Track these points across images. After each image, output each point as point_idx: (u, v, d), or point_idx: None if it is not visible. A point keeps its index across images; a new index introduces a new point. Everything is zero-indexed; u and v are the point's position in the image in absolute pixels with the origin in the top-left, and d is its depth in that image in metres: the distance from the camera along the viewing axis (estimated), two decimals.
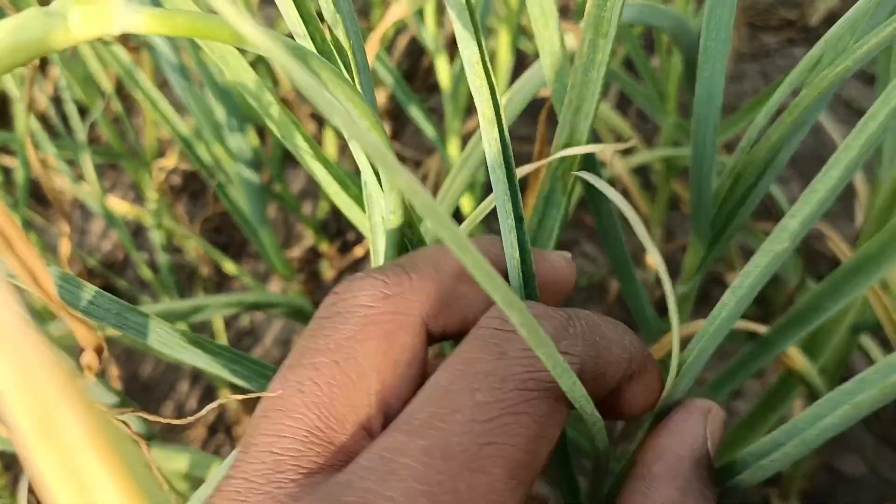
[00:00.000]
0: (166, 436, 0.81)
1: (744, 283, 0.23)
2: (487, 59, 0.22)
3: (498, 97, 0.23)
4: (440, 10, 0.97)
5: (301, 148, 0.28)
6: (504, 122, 0.23)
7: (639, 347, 0.23)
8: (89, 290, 0.24)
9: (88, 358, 0.17)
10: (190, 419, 0.23)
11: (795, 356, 0.41)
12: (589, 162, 0.32)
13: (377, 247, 0.26)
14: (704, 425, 0.23)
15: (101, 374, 0.74)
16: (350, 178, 0.30)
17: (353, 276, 0.22)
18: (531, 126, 0.32)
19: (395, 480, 0.17)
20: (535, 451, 0.19)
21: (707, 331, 0.24)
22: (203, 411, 0.24)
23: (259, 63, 0.87)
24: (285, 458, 0.19)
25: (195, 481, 0.40)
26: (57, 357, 0.09)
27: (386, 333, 0.21)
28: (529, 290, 0.25)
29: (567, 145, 0.31)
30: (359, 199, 0.30)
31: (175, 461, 0.36)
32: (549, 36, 0.28)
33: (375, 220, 0.26)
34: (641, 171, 0.92)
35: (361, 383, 0.20)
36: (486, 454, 0.18)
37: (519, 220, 0.24)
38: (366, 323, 0.21)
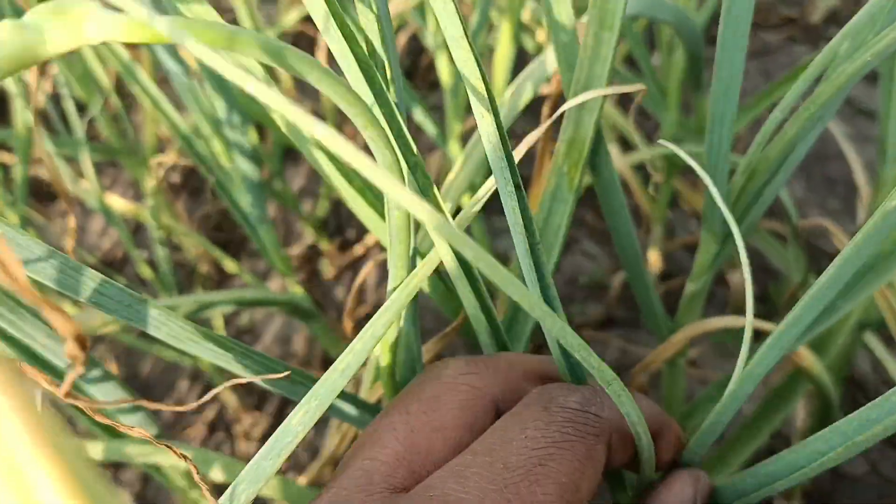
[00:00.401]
0: (166, 434, 0.81)
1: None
2: (469, 35, 0.22)
3: (481, 66, 0.23)
4: None
5: (306, 140, 0.27)
6: (493, 93, 0.23)
7: (656, 412, 0.29)
8: (101, 281, 0.24)
9: (71, 349, 0.17)
10: (192, 406, 0.24)
11: (805, 355, 0.41)
12: (600, 157, 0.31)
13: (394, 239, 0.27)
14: (695, 488, 0.29)
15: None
16: (354, 172, 0.29)
17: (442, 359, 0.30)
18: (534, 122, 0.31)
19: (469, 482, 0.23)
20: (578, 483, 0.24)
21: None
22: (207, 396, 0.24)
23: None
24: (375, 476, 0.24)
25: (193, 479, 0.40)
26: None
27: (463, 401, 0.26)
28: (535, 257, 0.26)
29: (572, 140, 0.30)
30: (363, 192, 0.29)
31: (175, 458, 0.36)
32: (563, 29, 0.28)
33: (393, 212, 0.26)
34: (642, 168, 0.92)
35: (441, 431, 0.26)
36: (539, 472, 0.23)
37: (517, 187, 0.25)
38: (449, 389, 0.27)
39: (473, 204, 0.28)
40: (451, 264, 0.27)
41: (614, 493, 0.31)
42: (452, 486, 0.23)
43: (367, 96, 0.24)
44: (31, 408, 0.09)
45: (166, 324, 0.25)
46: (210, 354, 0.26)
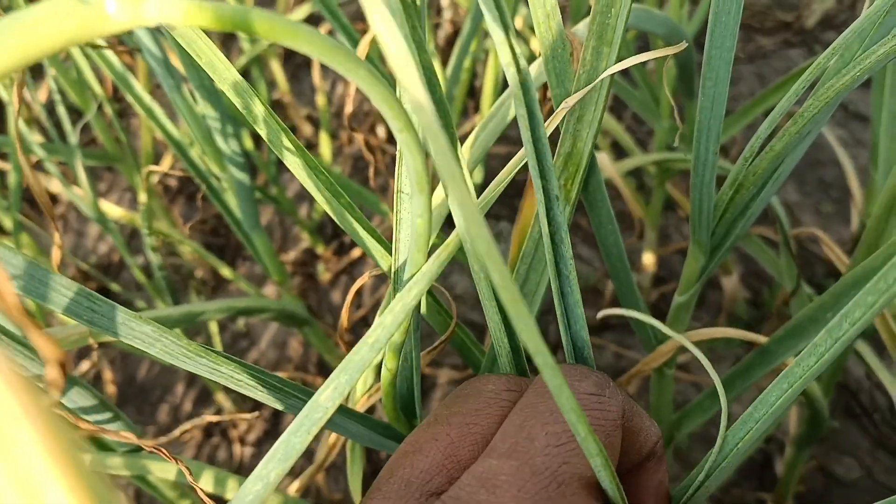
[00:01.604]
0: (160, 440, 0.81)
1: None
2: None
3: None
4: (436, 13, 0.97)
5: (287, 151, 0.27)
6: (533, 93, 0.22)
7: (659, 430, 0.29)
8: (94, 299, 0.24)
9: (51, 374, 0.17)
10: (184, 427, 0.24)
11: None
12: (590, 166, 0.31)
13: (399, 243, 0.27)
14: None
15: (96, 379, 0.73)
16: (341, 184, 0.29)
17: (483, 376, 0.30)
18: None
19: (500, 492, 0.23)
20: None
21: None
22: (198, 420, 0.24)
23: (255, 65, 0.87)
24: (415, 482, 0.25)
25: (185, 489, 0.40)
26: (10, 363, 0.08)
27: (504, 415, 0.27)
28: (562, 264, 0.27)
29: (569, 154, 0.30)
30: (350, 207, 0.29)
31: (164, 469, 0.36)
32: (553, 40, 0.28)
33: (403, 215, 0.26)
34: (635, 174, 0.92)
35: (483, 442, 0.26)
36: (565, 470, 0.23)
37: (554, 198, 0.25)
38: (490, 403, 0.27)
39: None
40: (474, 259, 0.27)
41: None
42: (485, 496, 0.23)
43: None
44: (44, 418, 0.09)
45: (160, 339, 0.25)
46: (203, 370, 0.26)
